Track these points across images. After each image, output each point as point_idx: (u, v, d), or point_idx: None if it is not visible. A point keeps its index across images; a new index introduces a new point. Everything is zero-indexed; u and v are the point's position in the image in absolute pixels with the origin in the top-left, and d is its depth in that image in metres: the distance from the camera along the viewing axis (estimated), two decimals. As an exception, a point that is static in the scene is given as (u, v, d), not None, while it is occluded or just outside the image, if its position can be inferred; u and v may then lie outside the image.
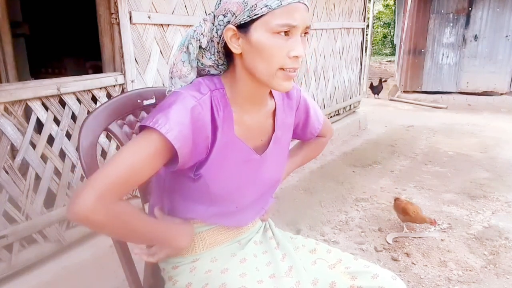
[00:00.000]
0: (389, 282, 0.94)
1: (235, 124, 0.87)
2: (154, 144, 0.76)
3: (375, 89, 7.37)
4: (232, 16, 0.78)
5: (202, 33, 0.83)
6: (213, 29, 0.83)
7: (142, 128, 0.79)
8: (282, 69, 0.79)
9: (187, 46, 0.84)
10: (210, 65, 0.87)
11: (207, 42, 0.84)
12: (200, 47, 0.85)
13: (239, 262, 0.95)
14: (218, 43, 0.83)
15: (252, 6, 0.75)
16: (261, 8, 0.75)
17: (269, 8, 0.75)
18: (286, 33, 0.77)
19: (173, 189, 0.93)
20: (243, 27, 0.78)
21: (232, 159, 0.88)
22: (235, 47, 0.80)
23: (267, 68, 0.79)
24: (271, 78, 0.80)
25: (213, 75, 0.89)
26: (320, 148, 1.23)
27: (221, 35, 0.82)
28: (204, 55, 0.86)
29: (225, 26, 0.80)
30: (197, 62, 0.87)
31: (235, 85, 0.86)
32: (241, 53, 0.81)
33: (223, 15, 0.80)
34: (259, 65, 0.79)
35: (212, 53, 0.85)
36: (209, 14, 0.86)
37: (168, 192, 0.95)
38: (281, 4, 0.75)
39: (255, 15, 0.76)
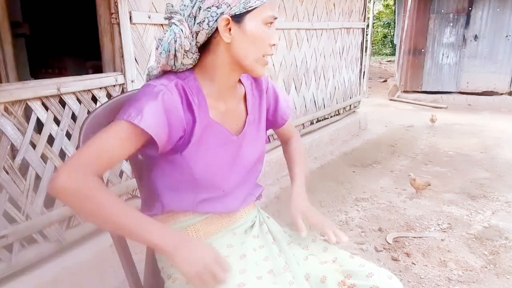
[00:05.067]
0: (384, 281, 0.92)
1: (210, 109, 0.92)
2: (127, 132, 0.82)
3: None
4: (227, 7, 0.84)
5: (185, 36, 0.86)
6: (203, 21, 0.85)
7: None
8: (263, 55, 0.90)
9: (175, 54, 0.86)
10: (190, 63, 0.90)
11: (189, 44, 0.87)
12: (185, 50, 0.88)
13: (239, 258, 0.95)
14: (206, 35, 0.87)
15: None
16: (255, 1, 0.85)
17: (262, 2, 0.85)
18: (271, 23, 0.88)
19: (161, 184, 0.95)
20: (237, 17, 0.85)
21: (212, 142, 0.93)
22: (227, 36, 0.86)
23: (255, 55, 0.89)
24: (256, 64, 0.90)
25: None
26: (300, 146, 1.24)
27: (212, 26, 0.86)
28: (186, 56, 0.88)
29: (218, 17, 0.85)
30: (179, 63, 0.89)
31: (210, 74, 0.91)
32: (228, 43, 0.87)
33: (216, 6, 0.84)
34: (249, 52, 0.88)
35: (193, 52, 0.89)
36: (172, 12, 0.87)
37: (156, 189, 0.96)
38: None
39: (250, 7, 0.84)
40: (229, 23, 0.85)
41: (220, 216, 1.01)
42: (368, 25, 5.44)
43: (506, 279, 1.98)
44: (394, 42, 10.94)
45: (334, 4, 3.95)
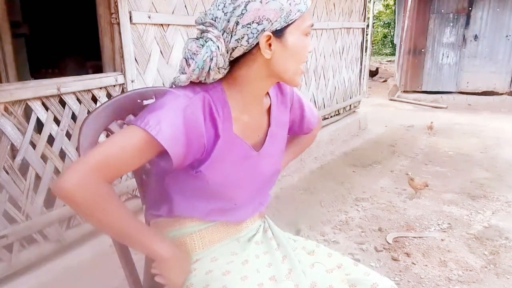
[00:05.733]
0: None
1: (234, 122, 0.89)
2: (142, 141, 0.78)
3: None
4: (269, 23, 0.80)
5: (221, 54, 0.81)
6: (242, 38, 0.80)
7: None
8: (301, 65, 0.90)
9: (208, 71, 0.82)
10: (219, 77, 0.86)
11: (224, 60, 0.83)
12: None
13: (241, 265, 0.95)
14: (243, 51, 0.83)
15: (287, 12, 0.80)
16: (295, 13, 0.81)
17: (301, 13, 0.82)
18: (309, 32, 0.87)
19: (173, 188, 0.94)
20: (278, 32, 0.82)
21: (232, 157, 0.90)
22: (268, 53, 0.82)
23: (296, 66, 0.87)
24: (295, 75, 0.88)
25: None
26: (312, 137, 1.26)
27: (251, 43, 0.81)
28: (218, 72, 0.84)
29: (259, 34, 0.80)
30: (210, 79, 0.85)
31: (240, 86, 0.88)
32: (268, 58, 0.83)
33: (257, 23, 0.79)
34: (290, 65, 0.86)
35: (226, 67, 0.85)
36: (206, 24, 0.81)
37: (167, 192, 0.95)
38: (307, 8, 0.84)
39: (290, 20, 0.81)
40: (270, 39, 0.81)
41: (227, 225, 1.00)
42: (368, 25, 5.44)
43: (506, 279, 1.98)
44: (394, 42, 10.93)
45: (334, 4, 3.95)
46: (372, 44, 8.69)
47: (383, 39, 17.50)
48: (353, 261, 1.02)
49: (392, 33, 15.78)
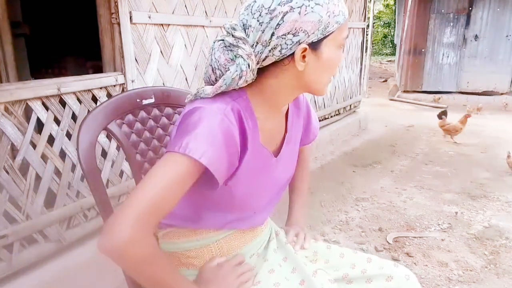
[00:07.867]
0: (403, 283, 0.97)
1: (260, 132, 0.86)
2: (186, 169, 0.71)
3: None
4: (305, 35, 0.76)
5: (251, 70, 0.77)
6: (274, 48, 0.76)
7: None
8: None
9: (229, 84, 0.79)
10: (242, 86, 0.82)
11: (252, 74, 0.79)
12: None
13: (268, 273, 0.93)
14: (274, 60, 0.79)
15: (326, 24, 0.77)
16: (333, 25, 0.78)
17: (339, 24, 0.79)
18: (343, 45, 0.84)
19: (188, 200, 0.89)
20: (314, 44, 0.78)
21: (256, 167, 0.87)
22: (301, 65, 0.78)
23: (327, 79, 0.85)
24: (325, 87, 0.86)
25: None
26: (308, 170, 1.24)
27: (283, 54, 0.77)
28: (245, 83, 0.81)
29: (293, 45, 0.76)
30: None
31: (265, 96, 0.84)
32: (300, 70, 0.80)
33: (292, 34, 0.75)
34: (323, 77, 0.84)
35: (253, 78, 0.80)
36: (236, 37, 0.77)
37: (190, 208, 0.91)
38: (344, 19, 0.80)
39: (328, 32, 0.78)
40: (305, 51, 0.77)
41: (243, 232, 0.97)
42: (368, 25, 5.44)
43: (506, 279, 1.98)
44: (394, 42, 10.95)
45: (334, 4, 3.94)
46: (372, 44, 8.69)
47: (383, 39, 17.53)
48: (366, 257, 1.03)
49: (392, 33, 15.79)
